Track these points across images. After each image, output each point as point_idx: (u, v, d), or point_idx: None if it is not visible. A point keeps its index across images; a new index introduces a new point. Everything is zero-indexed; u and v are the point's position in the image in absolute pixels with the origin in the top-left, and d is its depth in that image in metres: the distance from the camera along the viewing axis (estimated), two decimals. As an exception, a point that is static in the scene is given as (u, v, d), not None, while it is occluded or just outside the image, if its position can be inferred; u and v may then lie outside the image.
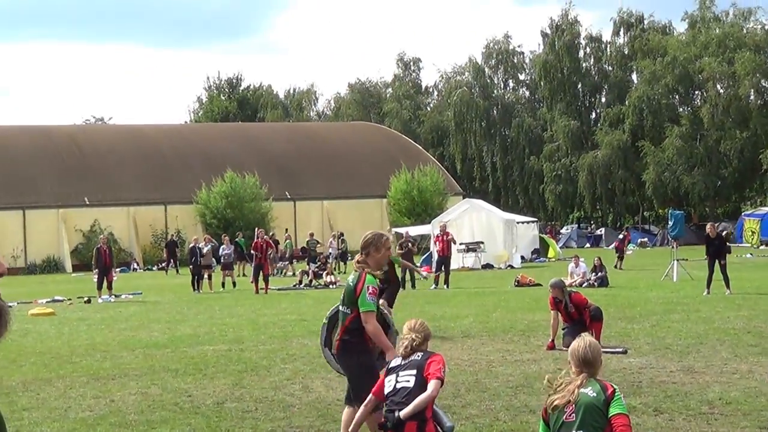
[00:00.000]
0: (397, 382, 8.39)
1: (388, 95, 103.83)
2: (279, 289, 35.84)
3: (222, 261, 39.78)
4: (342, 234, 53.29)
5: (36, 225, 63.65)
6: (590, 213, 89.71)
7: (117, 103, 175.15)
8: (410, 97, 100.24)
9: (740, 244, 58.98)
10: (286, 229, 59.88)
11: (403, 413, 8.05)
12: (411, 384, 8.26)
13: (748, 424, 10.16)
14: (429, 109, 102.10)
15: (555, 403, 7.19)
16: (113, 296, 33.15)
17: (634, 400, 11.55)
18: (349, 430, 8.74)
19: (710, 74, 73.66)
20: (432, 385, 8.14)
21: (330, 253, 49.76)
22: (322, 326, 9.95)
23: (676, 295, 26.47)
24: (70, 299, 33.19)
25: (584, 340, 7.34)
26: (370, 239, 8.96)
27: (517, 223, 50.59)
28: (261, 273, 34.90)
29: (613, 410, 6.92)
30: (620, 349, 15.85)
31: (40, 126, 77.63)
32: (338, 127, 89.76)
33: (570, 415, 7.02)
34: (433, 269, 36.58)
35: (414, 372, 8.31)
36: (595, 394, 6.97)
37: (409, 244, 35.95)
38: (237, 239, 43.28)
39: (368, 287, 8.55)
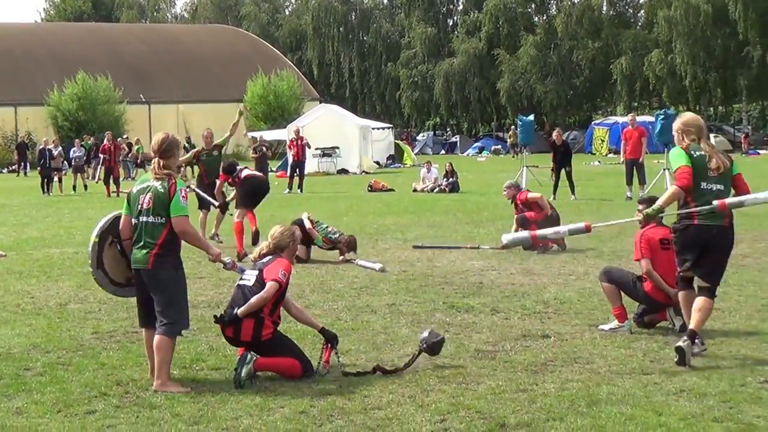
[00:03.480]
0: (240, 279, 8.61)
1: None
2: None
3: (73, 163, 39.08)
4: (189, 137, 52.94)
5: None
6: (446, 120, 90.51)
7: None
8: (268, 1, 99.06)
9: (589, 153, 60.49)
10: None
11: (240, 311, 8.27)
12: (251, 283, 8.48)
13: (579, 322, 10.55)
14: (287, 13, 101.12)
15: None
16: (-42, 199, 32.42)
17: (473, 300, 11.88)
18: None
19: (565, -16, 74.71)
20: (268, 285, 8.33)
21: None
22: (93, 246, 8.54)
23: (524, 201, 26.99)
24: None
25: (686, 114, 9.35)
26: (171, 141, 8.33)
27: (373, 129, 50.85)
28: (111, 176, 34.53)
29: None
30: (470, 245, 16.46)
31: None
32: (195, 30, 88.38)
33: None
34: (288, 173, 36.60)
35: (256, 273, 8.53)
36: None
37: (263, 148, 35.95)
38: (83, 142, 42.44)
39: (181, 190, 8.06)
